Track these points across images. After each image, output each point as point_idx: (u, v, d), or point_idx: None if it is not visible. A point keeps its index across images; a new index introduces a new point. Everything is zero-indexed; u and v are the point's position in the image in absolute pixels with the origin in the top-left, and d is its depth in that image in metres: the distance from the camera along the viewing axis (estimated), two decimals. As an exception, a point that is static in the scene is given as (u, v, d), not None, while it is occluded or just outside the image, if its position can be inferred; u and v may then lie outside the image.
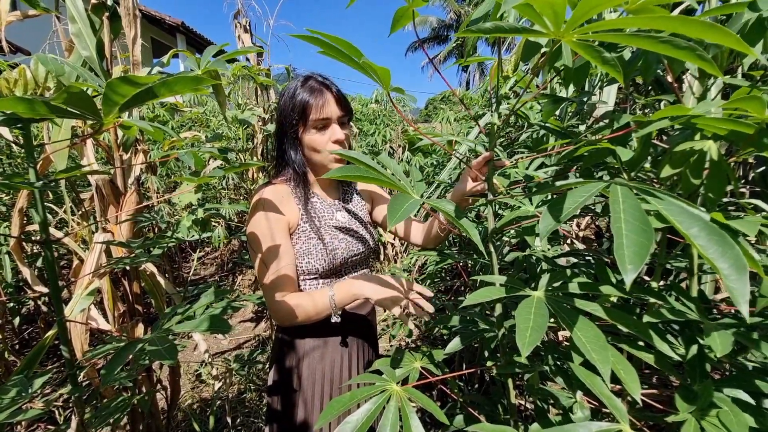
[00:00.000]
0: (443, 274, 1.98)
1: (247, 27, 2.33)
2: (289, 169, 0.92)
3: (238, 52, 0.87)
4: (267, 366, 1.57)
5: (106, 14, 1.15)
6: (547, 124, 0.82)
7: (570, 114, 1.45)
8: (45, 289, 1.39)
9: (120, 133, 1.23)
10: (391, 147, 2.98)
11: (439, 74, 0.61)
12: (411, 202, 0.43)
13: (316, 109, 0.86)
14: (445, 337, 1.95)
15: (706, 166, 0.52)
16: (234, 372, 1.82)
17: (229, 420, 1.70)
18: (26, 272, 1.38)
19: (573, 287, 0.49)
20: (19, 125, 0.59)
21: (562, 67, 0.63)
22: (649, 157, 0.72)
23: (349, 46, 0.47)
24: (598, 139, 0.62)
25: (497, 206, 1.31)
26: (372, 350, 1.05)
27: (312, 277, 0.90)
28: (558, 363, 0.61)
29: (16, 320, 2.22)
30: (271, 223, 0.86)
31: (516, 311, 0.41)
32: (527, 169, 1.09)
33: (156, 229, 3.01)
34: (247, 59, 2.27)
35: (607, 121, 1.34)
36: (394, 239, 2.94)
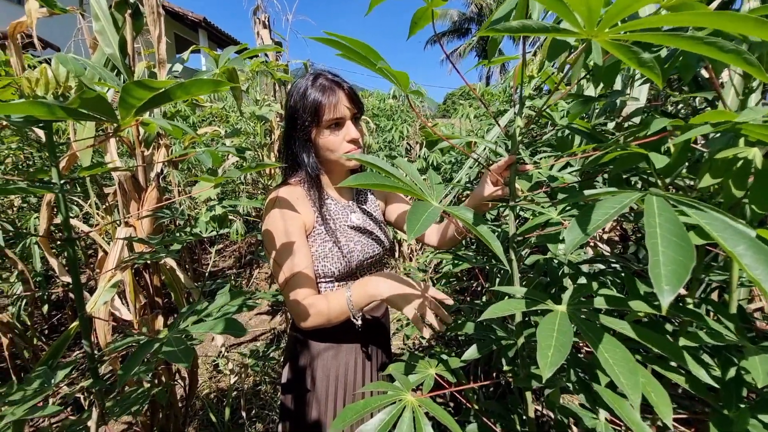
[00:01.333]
0: (459, 274, 1.95)
1: (266, 23, 2.33)
2: (301, 171, 0.91)
3: (257, 50, 0.87)
4: (281, 361, 1.59)
5: (129, 11, 1.16)
6: (573, 125, 0.78)
7: (597, 111, 1.39)
8: (69, 279, 1.44)
9: (141, 130, 1.26)
10: (408, 144, 2.95)
11: (456, 71, 0.59)
12: (430, 210, 0.41)
13: (329, 109, 0.83)
14: (461, 339, 1.92)
15: (751, 175, 0.48)
16: (249, 366, 1.85)
17: (243, 414, 1.73)
18: (54, 263, 1.43)
19: (599, 302, 0.47)
20: (40, 125, 0.60)
21: (592, 66, 0.59)
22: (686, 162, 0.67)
23: (367, 48, 0.45)
24: (628, 143, 0.58)
25: (519, 209, 1.27)
26: (385, 352, 1.04)
27: (328, 280, 0.89)
28: (581, 377, 0.59)
29: (45, 308, 2.31)
30: (287, 222, 0.85)
31: (538, 328, 0.39)
32: (551, 170, 1.05)
33: (176, 224, 3.09)
34: (266, 55, 2.28)
35: (637, 120, 1.27)
36: (409, 236, 2.91)
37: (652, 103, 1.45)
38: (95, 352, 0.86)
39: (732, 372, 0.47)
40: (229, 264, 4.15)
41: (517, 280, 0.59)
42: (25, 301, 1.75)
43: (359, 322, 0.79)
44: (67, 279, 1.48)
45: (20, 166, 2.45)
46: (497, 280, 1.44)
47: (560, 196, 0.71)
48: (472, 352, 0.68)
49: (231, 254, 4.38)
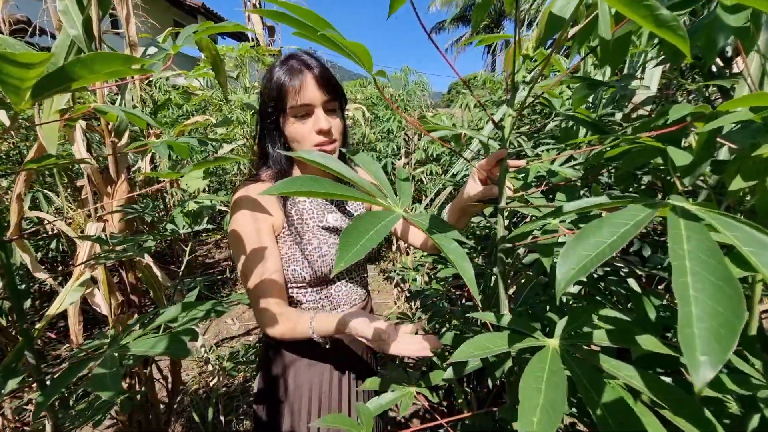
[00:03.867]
0: (455, 276, 1.86)
1: (257, 4, 2.22)
2: (271, 167, 0.82)
3: (220, 26, 0.77)
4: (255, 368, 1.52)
5: (93, -11, 1.06)
6: (573, 114, 0.68)
7: (605, 100, 1.28)
8: (44, 276, 1.38)
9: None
10: (406, 134, 2.84)
11: (446, 60, 0.49)
12: (377, 228, 0.32)
13: (293, 94, 0.73)
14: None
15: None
16: (234, 363, 1.79)
17: (222, 416, 1.68)
18: (26, 258, 1.36)
19: (600, 336, 0.38)
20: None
21: (598, 42, 0.50)
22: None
23: (310, 14, 0.36)
24: (640, 135, 0.49)
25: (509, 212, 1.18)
26: (365, 359, 0.96)
27: (299, 285, 0.81)
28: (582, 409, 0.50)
29: (27, 302, 2.27)
30: (257, 222, 0.77)
31: (522, 377, 0.30)
32: (552, 164, 0.95)
33: (166, 216, 3.02)
34: (256, 40, 2.17)
35: (648, 109, 1.16)
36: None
37: (663, 92, 1.34)
38: (74, 352, 0.80)
39: (755, 421, 0.38)
40: (225, 255, 4.10)
41: (503, 297, 0.50)
42: (4, 294, 1.70)
43: (323, 342, 0.75)
44: (41, 275, 1.41)
45: None
46: (492, 279, 1.36)
47: (558, 196, 0.62)
48: (450, 373, 0.60)
49: (227, 245, 4.32)
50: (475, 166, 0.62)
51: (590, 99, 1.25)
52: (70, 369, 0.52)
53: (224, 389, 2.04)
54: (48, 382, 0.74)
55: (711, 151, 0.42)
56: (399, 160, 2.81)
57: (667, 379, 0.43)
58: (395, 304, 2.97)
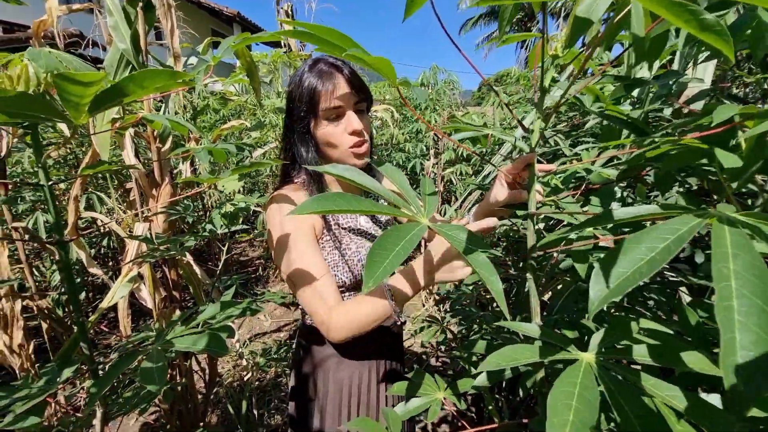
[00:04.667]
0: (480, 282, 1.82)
1: (289, 11, 2.29)
2: (302, 172, 0.82)
3: (255, 37, 0.80)
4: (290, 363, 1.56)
5: (140, 5, 1.14)
6: (606, 111, 0.64)
7: (651, 94, 1.20)
8: (97, 271, 1.49)
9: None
10: (435, 134, 2.82)
11: (467, 61, 0.49)
12: (403, 242, 0.32)
13: (326, 96, 0.74)
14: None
15: None
16: (267, 359, 1.86)
17: (255, 410, 1.74)
18: (82, 255, 1.48)
19: (640, 353, 0.36)
20: (24, 125, 0.58)
21: (632, 39, 0.47)
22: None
23: (336, 34, 0.37)
24: (680, 138, 0.46)
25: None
26: (395, 361, 0.97)
27: (339, 289, 0.83)
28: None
29: (82, 294, 2.46)
30: (299, 227, 0.76)
31: (551, 391, 0.29)
32: (593, 165, 0.91)
33: (205, 216, 3.18)
34: (288, 46, 2.24)
35: (700, 105, 1.08)
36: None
37: (719, 85, 1.23)
38: (122, 343, 0.87)
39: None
40: (259, 254, 4.25)
41: (535, 306, 0.49)
42: (62, 288, 1.86)
43: (400, 320, 0.68)
44: (95, 271, 1.53)
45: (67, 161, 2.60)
46: (525, 285, 1.32)
47: (593, 201, 0.60)
48: (482, 380, 0.60)
49: (260, 244, 4.47)
50: (502, 170, 0.60)
51: (635, 93, 1.17)
52: (121, 361, 0.57)
53: (257, 383, 2.12)
54: (100, 373, 0.80)
55: (764, 151, 0.39)
56: (428, 160, 2.79)
57: (714, 397, 0.40)
58: (423, 306, 2.95)
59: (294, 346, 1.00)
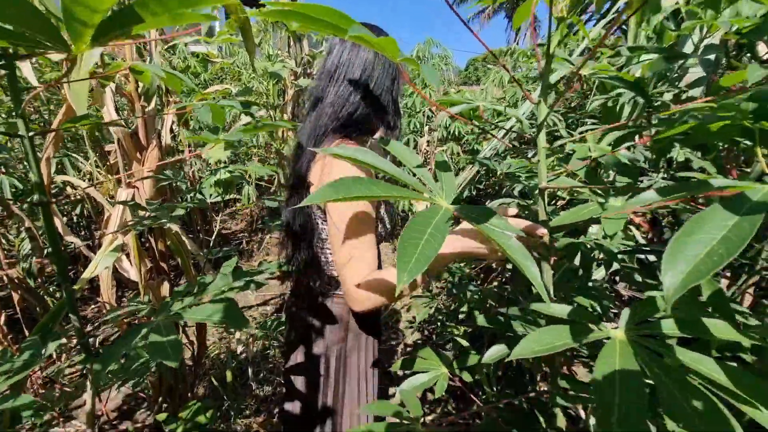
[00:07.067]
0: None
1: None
2: (360, 136, 0.79)
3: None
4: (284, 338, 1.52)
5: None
6: (613, 74, 0.61)
7: (653, 78, 1.19)
8: (75, 240, 1.40)
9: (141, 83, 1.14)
10: (429, 110, 2.75)
11: (474, 35, 0.44)
12: (429, 229, 0.30)
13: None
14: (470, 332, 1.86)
15: None
16: (257, 337, 1.83)
17: (244, 380, 1.73)
18: (57, 222, 1.38)
19: (669, 327, 0.35)
20: (1, 63, 0.50)
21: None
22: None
23: (333, 12, 0.34)
24: (723, 106, 0.43)
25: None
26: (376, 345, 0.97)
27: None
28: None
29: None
30: (369, 206, 0.72)
31: (594, 374, 0.28)
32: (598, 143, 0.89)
33: (191, 184, 3.03)
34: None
35: (698, 91, 1.08)
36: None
37: (711, 76, 1.24)
38: (112, 316, 0.81)
39: None
40: (242, 227, 4.15)
41: (548, 284, 0.47)
42: (33, 257, 1.75)
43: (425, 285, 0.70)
44: (72, 239, 1.43)
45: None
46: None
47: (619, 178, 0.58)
48: (493, 353, 0.59)
49: (243, 217, 4.36)
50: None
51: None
52: (125, 336, 0.52)
53: (243, 355, 2.11)
54: (90, 345, 0.75)
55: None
56: (421, 137, 2.74)
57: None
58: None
59: (297, 318, 0.97)
